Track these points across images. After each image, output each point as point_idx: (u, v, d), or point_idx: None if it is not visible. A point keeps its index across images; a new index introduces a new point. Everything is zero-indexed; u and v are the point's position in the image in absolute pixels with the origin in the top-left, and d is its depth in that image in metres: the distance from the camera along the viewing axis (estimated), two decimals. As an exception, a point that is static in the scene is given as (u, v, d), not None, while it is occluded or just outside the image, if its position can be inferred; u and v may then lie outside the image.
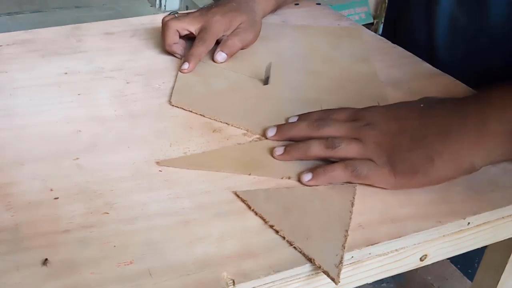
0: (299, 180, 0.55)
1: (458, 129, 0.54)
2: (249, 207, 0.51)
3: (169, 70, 0.74)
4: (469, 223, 0.53)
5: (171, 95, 0.68)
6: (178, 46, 0.77)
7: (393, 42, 0.84)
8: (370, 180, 0.55)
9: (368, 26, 2.52)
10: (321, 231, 0.49)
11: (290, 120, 0.63)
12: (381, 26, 2.62)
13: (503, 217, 0.56)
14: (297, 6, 0.94)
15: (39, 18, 2.56)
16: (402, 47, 0.82)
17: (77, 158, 0.56)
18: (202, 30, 0.77)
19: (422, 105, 0.58)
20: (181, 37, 0.78)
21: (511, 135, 0.53)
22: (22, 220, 0.48)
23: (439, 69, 0.76)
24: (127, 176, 0.54)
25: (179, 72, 0.73)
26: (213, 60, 0.76)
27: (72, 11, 2.65)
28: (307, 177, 0.55)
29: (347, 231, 0.49)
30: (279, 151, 0.58)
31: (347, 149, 0.56)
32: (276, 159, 0.58)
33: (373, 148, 0.55)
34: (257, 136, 0.61)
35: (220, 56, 0.76)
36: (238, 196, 0.53)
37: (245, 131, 0.62)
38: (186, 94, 0.69)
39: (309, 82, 0.73)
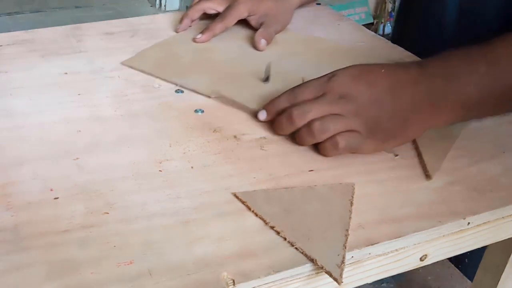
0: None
1: (423, 99, 0.59)
2: (249, 209, 0.51)
3: (169, 70, 0.74)
4: (469, 223, 0.53)
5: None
6: (188, 22, 0.82)
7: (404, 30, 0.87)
8: (358, 150, 0.59)
9: (368, 26, 2.52)
10: (322, 231, 0.49)
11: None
12: (381, 26, 2.62)
13: (503, 217, 0.56)
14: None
15: (39, 18, 2.56)
16: (414, 35, 0.85)
17: (77, 158, 0.56)
18: (226, 8, 0.81)
19: (383, 70, 0.60)
20: (210, 16, 0.83)
21: (462, 104, 0.58)
22: (22, 220, 0.48)
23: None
24: (127, 176, 0.54)
25: (155, 44, 0.78)
26: (255, 47, 0.79)
27: (72, 11, 2.65)
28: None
29: (347, 230, 0.49)
30: None
31: (336, 129, 0.58)
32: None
33: (356, 121, 0.58)
34: (258, 136, 0.61)
35: (262, 43, 0.79)
36: (237, 197, 0.53)
37: (245, 132, 0.62)
38: (145, 59, 0.74)
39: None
